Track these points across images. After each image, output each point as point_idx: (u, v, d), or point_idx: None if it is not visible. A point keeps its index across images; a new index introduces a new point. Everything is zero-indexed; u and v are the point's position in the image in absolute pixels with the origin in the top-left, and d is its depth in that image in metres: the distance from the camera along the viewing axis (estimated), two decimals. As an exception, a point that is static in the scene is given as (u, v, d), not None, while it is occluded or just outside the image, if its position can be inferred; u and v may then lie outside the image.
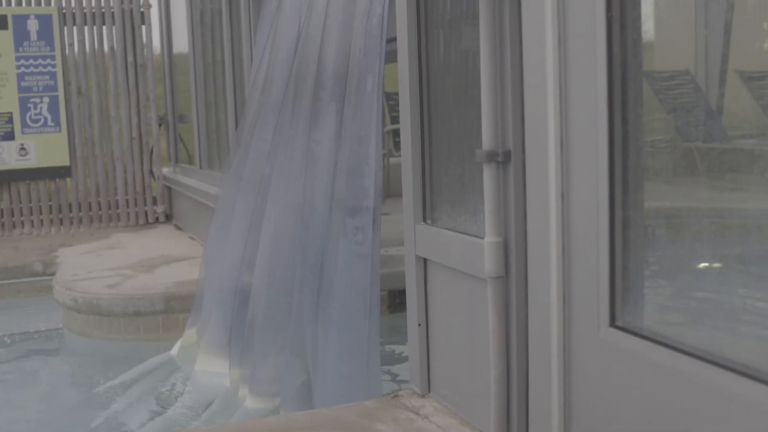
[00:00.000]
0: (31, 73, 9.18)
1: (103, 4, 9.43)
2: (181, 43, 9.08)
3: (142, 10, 9.56)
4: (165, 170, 9.90)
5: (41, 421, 4.79)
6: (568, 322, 2.37)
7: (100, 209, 9.59)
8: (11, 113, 9.13)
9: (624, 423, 2.16)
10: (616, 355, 2.17)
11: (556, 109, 2.32)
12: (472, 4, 2.82)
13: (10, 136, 9.15)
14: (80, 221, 9.54)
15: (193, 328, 5.19)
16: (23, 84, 9.15)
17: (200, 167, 8.27)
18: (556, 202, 2.34)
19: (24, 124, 9.17)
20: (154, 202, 9.77)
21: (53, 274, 6.92)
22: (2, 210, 9.28)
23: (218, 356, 4.73)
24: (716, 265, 2.13)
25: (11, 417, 4.88)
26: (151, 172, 9.74)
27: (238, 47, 6.50)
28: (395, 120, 8.46)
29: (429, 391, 3.25)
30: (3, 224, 9.30)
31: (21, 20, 9.11)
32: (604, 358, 2.22)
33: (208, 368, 4.76)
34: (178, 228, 9.22)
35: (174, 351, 5.25)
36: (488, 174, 2.60)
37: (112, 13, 9.44)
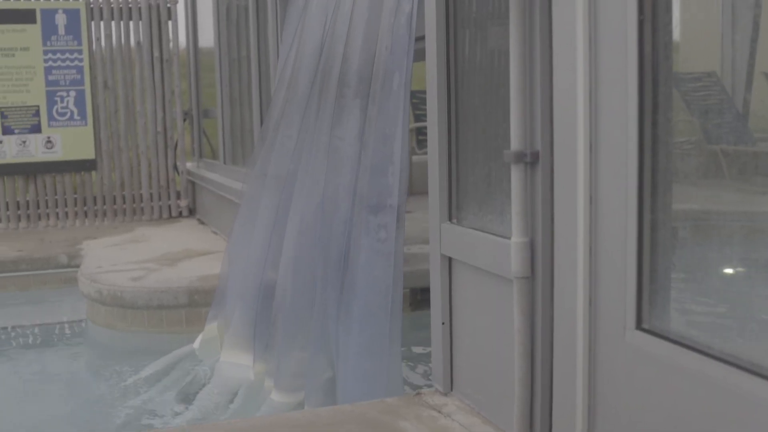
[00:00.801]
0: (59, 67, 9.26)
1: (130, 0, 9.49)
2: (207, 39, 9.13)
3: (168, 5, 9.61)
4: (189, 165, 9.97)
5: (65, 412, 4.84)
6: (593, 324, 2.37)
7: (124, 203, 9.67)
8: (38, 106, 9.22)
9: (649, 427, 2.16)
10: (642, 358, 2.17)
11: (585, 111, 2.31)
12: (502, 3, 2.82)
13: (36, 129, 9.24)
14: (104, 214, 9.62)
15: (214, 322, 5.22)
16: (50, 78, 9.24)
17: (224, 162, 8.31)
18: (584, 204, 2.34)
19: (51, 118, 9.26)
20: (178, 196, 9.83)
21: (78, 266, 6.99)
22: (28, 202, 9.38)
23: (242, 350, 4.76)
24: (744, 268, 2.13)
25: (35, 408, 4.94)
26: (175, 167, 9.80)
27: (264, 44, 6.53)
28: (418, 118, 8.46)
29: (452, 389, 3.26)
30: (29, 216, 9.39)
31: (49, 14, 9.20)
32: (629, 361, 2.22)
33: (232, 360, 4.80)
34: (201, 222, 9.28)
35: (196, 344, 5.29)
36: (516, 175, 2.60)
37: (139, 8, 9.51)
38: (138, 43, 9.56)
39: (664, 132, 2.17)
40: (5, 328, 6.59)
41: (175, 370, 5.08)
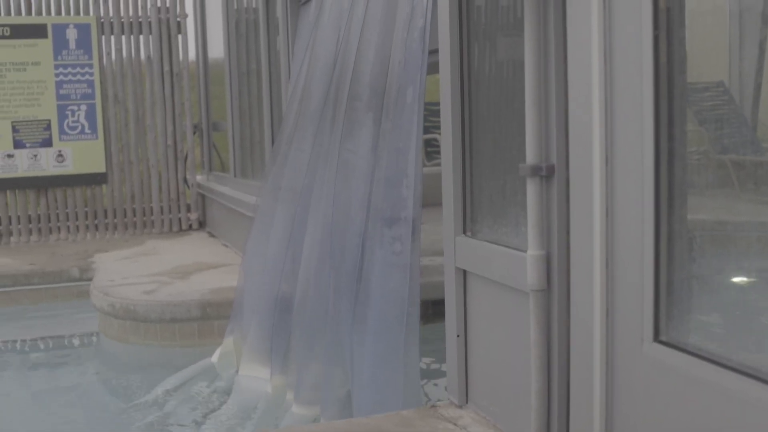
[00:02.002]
0: (69, 81, 9.32)
1: (140, 14, 9.56)
2: (216, 53, 9.18)
3: (178, 19, 9.68)
4: (199, 178, 10.01)
5: (80, 426, 4.86)
6: (610, 336, 2.38)
7: (134, 216, 9.71)
8: (49, 120, 9.28)
9: (668, 438, 2.17)
10: (660, 370, 2.18)
11: (601, 125, 2.33)
12: (516, 17, 2.84)
13: (48, 143, 9.29)
14: (115, 227, 9.66)
15: (232, 336, 5.24)
16: (61, 92, 9.30)
17: (234, 175, 8.35)
18: (600, 217, 2.36)
19: (62, 131, 9.32)
20: (188, 209, 9.87)
21: (90, 279, 7.02)
22: (39, 216, 9.42)
23: (260, 363, 4.79)
24: (760, 279, 2.13)
25: (47, 421, 4.96)
26: (185, 180, 9.84)
27: (275, 57, 6.57)
28: (427, 130, 8.48)
29: (467, 401, 3.27)
30: (40, 229, 9.44)
31: (60, 29, 9.27)
32: (647, 373, 2.23)
33: (250, 373, 4.82)
34: (212, 235, 9.31)
35: (214, 358, 5.31)
36: (532, 188, 2.62)
37: (149, 23, 9.57)
38: (148, 57, 9.62)
39: (679, 144, 2.19)
40: (18, 342, 6.61)
41: (193, 384, 5.09)
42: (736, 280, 2.21)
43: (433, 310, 4.66)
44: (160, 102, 9.65)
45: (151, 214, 9.76)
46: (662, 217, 2.20)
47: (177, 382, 5.09)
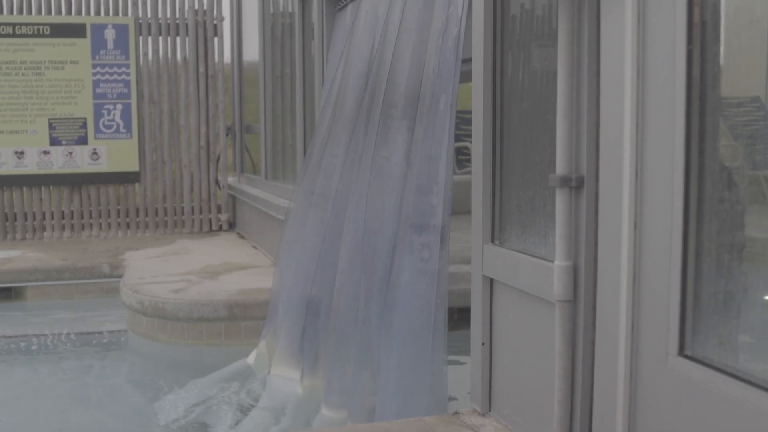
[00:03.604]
0: (106, 81, 9.46)
1: (177, 16, 9.68)
2: (251, 56, 9.27)
3: (215, 22, 9.78)
4: (230, 179, 10.10)
5: (106, 422, 4.92)
6: (635, 349, 2.38)
7: (166, 215, 9.82)
8: (85, 119, 9.41)
9: (690, 452, 2.17)
10: (684, 384, 2.18)
11: (632, 138, 2.34)
12: (550, 27, 2.86)
13: (83, 141, 9.43)
14: (146, 226, 9.77)
15: (267, 339, 5.29)
16: (98, 91, 9.44)
17: (265, 178, 8.41)
18: (629, 230, 2.37)
19: (97, 130, 9.45)
20: (219, 210, 9.96)
21: (120, 276, 7.11)
22: (72, 212, 9.56)
23: (291, 365, 4.83)
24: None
25: (75, 415, 5.03)
26: (217, 181, 9.93)
27: (310, 63, 6.63)
28: (458, 138, 8.48)
29: (490, 410, 3.28)
30: (72, 226, 9.57)
31: (99, 29, 9.41)
32: (671, 387, 2.24)
33: (282, 374, 4.87)
34: (241, 237, 9.38)
35: (250, 359, 5.37)
36: (561, 199, 2.63)
37: (186, 25, 9.69)
38: (184, 58, 9.74)
39: (711, 161, 2.19)
40: (48, 336, 6.71)
41: (229, 383, 5.14)
42: (763, 296, 2.21)
43: (459, 316, 4.68)
44: (195, 103, 9.75)
45: (182, 213, 9.86)
46: (691, 232, 2.21)
47: (214, 381, 5.14)
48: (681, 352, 2.21)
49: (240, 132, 10.04)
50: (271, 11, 8.21)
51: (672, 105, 2.21)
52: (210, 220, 9.93)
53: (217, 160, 9.93)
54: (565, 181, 2.61)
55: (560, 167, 2.63)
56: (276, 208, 7.05)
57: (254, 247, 8.48)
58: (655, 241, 2.29)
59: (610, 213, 2.47)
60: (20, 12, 9.30)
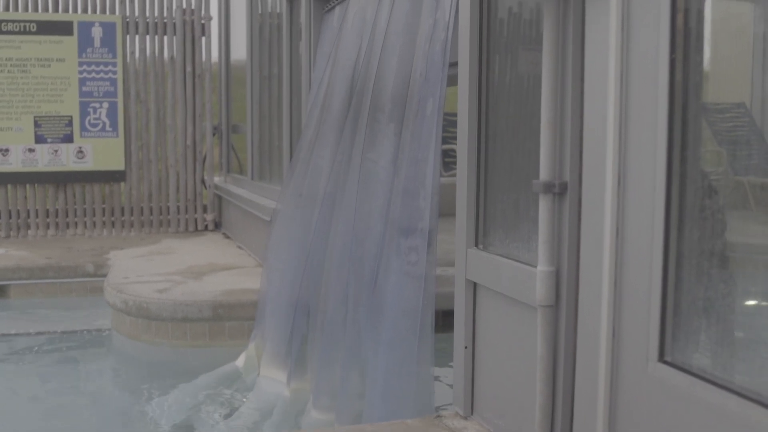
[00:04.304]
0: (93, 79, 9.43)
1: (165, 15, 9.66)
2: (239, 56, 9.26)
3: (203, 22, 9.77)
4: (216, 179, 10.08)
5: (89, 421, 4.91)
6: (616, 354, 2.40)
7: (151, 214, 9.79)
8: (71, 116, 9.38)
9: (669, 458, 2.19)
10: (664, 390, 2.20)
11: (615, 145, 2.36)
12: (536, 32, 2.88)
13: (69, 139, 9.39)
14: (131, 225, 9.75)
15: (255, 341, 5.29)
16: (84, 89, 9.40)
17: (252, 178, 8.41)
18: (611, 236, 2.39)
19: (83, 128, 9.42)
20: (204, 210, 9.94)
21: (104, 275, 7.09)
22: (57, 210, 9.52)
23: (278, 367, 4.83)
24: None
25: (57, 415, 5.01)
26: (203, 181, 9.92)
27: (297, 63, 6.63)
28: (445, 140, 8.49)
29: (472, 413, 3.30)
30: (57, 224, 9.53)
31: (86, 27, 9.37)
32: (651, 392, 2.26)
33: (270, 376, 4.87)
34: (227, 237, 9.37)
35: (239, 362, 5.37)
36: (544, 204, 2.65)
37: (174, 24, 9.67)
38: (171, 57, 9.71)
39: (693, 169, 2.21)
40: (31, 334, 6.68)
41: (218, 385, 5.14)
42: (742, 303, 2.23)
43: (443, 320, 4.70)
44: (181, 102, 9.73)
45: (168, 213, 9.84)
46: (672, 239, 2.23)
47: (203, 384, 5.14)
48: (661, 358, 2.23)
49: (227, 132, 10.03)
50: (259, 11, 8.21)
51: (654, 112, 2.23)
52: (196, 219, 9.91)
53: (204, 160, 9.92)
54: (548, 187, 2.63)
55: (544, 173, 2.65)
56: (262, 208, 7.05)
57: (240, 247, 8.47)
58: (636, 248, 2.31)
59: (593, 219, 2.49)
60: (6, 9, 9.26)
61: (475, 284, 3.24)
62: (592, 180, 2.49)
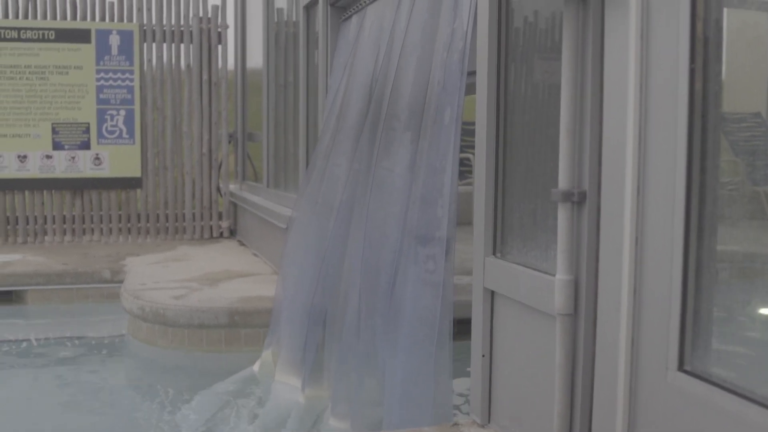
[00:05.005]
0: (110, 86, 9.50)
1: (182, 23, 9.73)
2: (255, 64, 9.30)
3: (219, 30, 9.83)
4: (232, 186, 10.13)
5: (107, 426, 4.94)
6: (635, 363, 2.41)
7: (167, 221, 9.84)
8: (89, 124, 9.45)
9: (688, 467, 2.18)
10: (684, 399, 2.20)
11: (634, 154, 2.37)
12: (554, 41, 2.89)
13: (86, 146, 9.47)
14: (147, 232, 9.80)
15: (271, 348, 5.31)
16: (101, 96, 9.48)
17: (267, 186, 8.44)
18: (630, 245, 2.39)
19: (100, 135, 9.49)
20: (220, 217, 9.99)
21: (121, 281, 7.13)
22: (74, 216, 9.59)
23: (293, 374, 4.85)
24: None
25: (74, 420, 5.04)
26: (218, 188, 9.96)
27: (314, 72, 6.66)
28: (460, 149, 8.50)
29: (489, 421, 3.30)
30: (74, 230, 9.60)
31: (103, 35, 9.45)
32: (671, 401, 2.26)
33: (285, 382, 4.89)
34: (242, 244, 9.40)
35: (256, 367, 5.39)
36: (563, 213, 2.65)
37: (191, 32, 9.73)
38: (188, 65, 9.78)
39: (712, 178, 2.21)
40: (49, 339, 6.73)
41: (237, 391, 5.16)
42: (762, 312, 2.23)
43: (458, 329, 4.70)
44: (198, 110, 9.79)
45: (183, 220, 9.89)
46: (691, 248, 2.23)
47: (222, 390, 5.16)
48: (680, 366, 2.23)
49: (242, 139, 10.07)
50: (276, 20, 8.25)
51: (674, 121, 2.24)
52: (211, 226, 9.95)
53: (219, 167, 9.96)
54: (567, 196, 2.63)
55: (563, 182, 2.66)
56: (277, 216, 7.08)
57: (255, 254, 8.50)
58: (656, 256, 2.32)
59: (612, 228, 2.49)
60: (26, 17, 9.35)
61: (492, 293, 3.25)
62: (611, 188, 2.50)
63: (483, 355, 3.29)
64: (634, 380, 2.41)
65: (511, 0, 3.16)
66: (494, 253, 3.24)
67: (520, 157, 3.12)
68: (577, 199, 2.62)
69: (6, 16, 9.32)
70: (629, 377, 2.42)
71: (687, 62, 2.20)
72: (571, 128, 2.64)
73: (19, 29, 9.25)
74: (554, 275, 2.70)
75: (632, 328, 2.40)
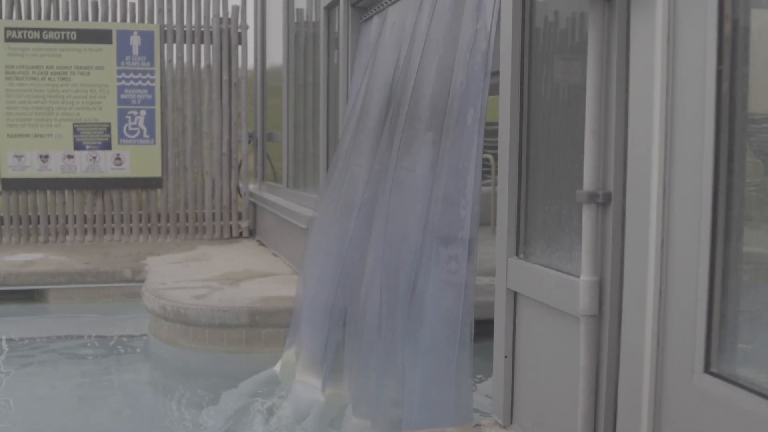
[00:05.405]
0: (131, 87, 9.55)
1: (202, 24, 9.77)
2: (275, 64, 9.33)
3: (239, 30, 9.86)
4: (251, 186, 10.16)
5: (128, 424, 4.97)
6: (660, 365, 2.40)
7: (187, 221, 9.89)
8: (109, 124, 9.51)
9: (714, 469, 2.17)
10: (710, 401, 2.19)
11: (660, 156, 2.36)
12: (577, 41, 2.88)
13: (107, 146, 9.53)
14: (167, 231, 9.85)
15: (293, 348, 5.33)
16: (122, 96, 9.53)
17: (287, 186, 8.46)
18: (656, 246, 2.38)
19: (121, 135, 9.54)
20: (239, 217, 10.02)
21: (142, 281, 7.17)
22: (95, 216, 9.65)
23: (313, 373, 4.86)
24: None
25: (94, 419, 5.07)
26: (238, 188, 10.00)
27: (334, 72, 6.67)
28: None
29: (511, 422, 3.30)
30: (95, 230, 9.66)
31: (124, 36, 9.51)
32: (696, 404, 2.25)
33: (305, 381, 4.91)
34: (261, 244, 9.43)
35: (277, 368, 5.41)
36: (587, 214, 2.65)
37: (211, 33, 9.77)
38: (208, 65, 9.82)
39: (738, 177, 2.20)
40: (70, 338, 6.78)
41: (259, 392, 5.19)
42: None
43: (477, 329, 4.70)
44: (218, 110, 9.83)
45: (203, 220, 9.93)
46: (718, 250, 2.22)
47: (245, 391, 5.18)
48: (707, 369, 2.22)
49: (262, 140, 10.10)
50: (296, 20, 8.27)
51: (701, 122, 2.23)
52: (230, 226, 9.99)
53: (239, 167, 10.00)
54: (592, 197, 2.63)
55: (587, 183, 2.65)
56: (297, 216, 7.10)
57: (274, 254, 8.52)
58: (682, 258, 2.31)
59: (637, 229, 2.48)
60: (48, 17, 9.42)
61: (515, 293, 3.24)
62: (636, 190, 2.49)
63: (506, 356, 3.29)
64: (659, 382, 2.40)
65: (534, 0, 3.15)
66: (517, 254, 3.23)
67: (544, 158, 3.11)
68: (602, 200, 2.62)
69: (29, 17, 9.40)
70: (654, 379, 2.41)
71: (714, 63, 2.19)
72: (596, 129, 2.63)
73: (41, 30, 9.33)
74: (578, 276, 2.70)
75: (658, 330, 2.39)
